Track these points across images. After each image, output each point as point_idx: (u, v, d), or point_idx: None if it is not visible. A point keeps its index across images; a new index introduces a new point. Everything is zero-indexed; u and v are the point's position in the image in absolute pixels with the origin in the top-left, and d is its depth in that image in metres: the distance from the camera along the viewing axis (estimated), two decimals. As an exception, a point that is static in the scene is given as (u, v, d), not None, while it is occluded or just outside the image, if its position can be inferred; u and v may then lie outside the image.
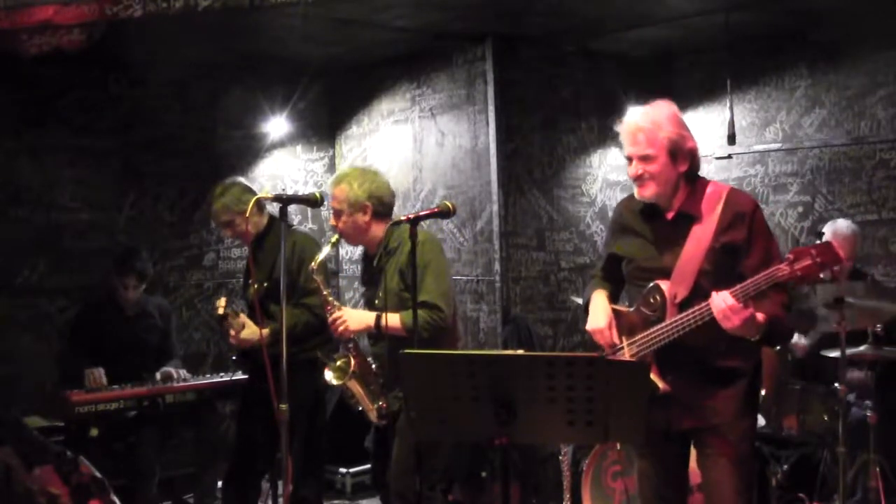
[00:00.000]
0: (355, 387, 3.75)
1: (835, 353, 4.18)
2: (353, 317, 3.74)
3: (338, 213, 3.83)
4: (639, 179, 3.05)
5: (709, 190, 3.07)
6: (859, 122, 5.36)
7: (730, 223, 3.00)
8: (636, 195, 3.10)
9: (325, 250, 3.90)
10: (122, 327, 5.05)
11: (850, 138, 5.40)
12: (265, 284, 4.25)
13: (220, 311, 4.16)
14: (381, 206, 3.84)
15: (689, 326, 2.93)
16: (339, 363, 3.78)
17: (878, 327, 4.30)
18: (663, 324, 2.99)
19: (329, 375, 3.79)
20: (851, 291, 4.12)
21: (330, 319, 3.76)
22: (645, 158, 3.01)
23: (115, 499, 3.93)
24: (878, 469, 4.19)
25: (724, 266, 2.97)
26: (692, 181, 3.08)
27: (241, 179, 4.62)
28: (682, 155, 3.03)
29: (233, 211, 4.31)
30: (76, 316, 5.18)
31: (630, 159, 3.06)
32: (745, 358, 3.05)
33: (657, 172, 3.01)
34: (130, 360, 4.96)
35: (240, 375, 4.89)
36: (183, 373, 5.03)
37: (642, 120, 3.02)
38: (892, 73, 5.23)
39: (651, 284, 3.05)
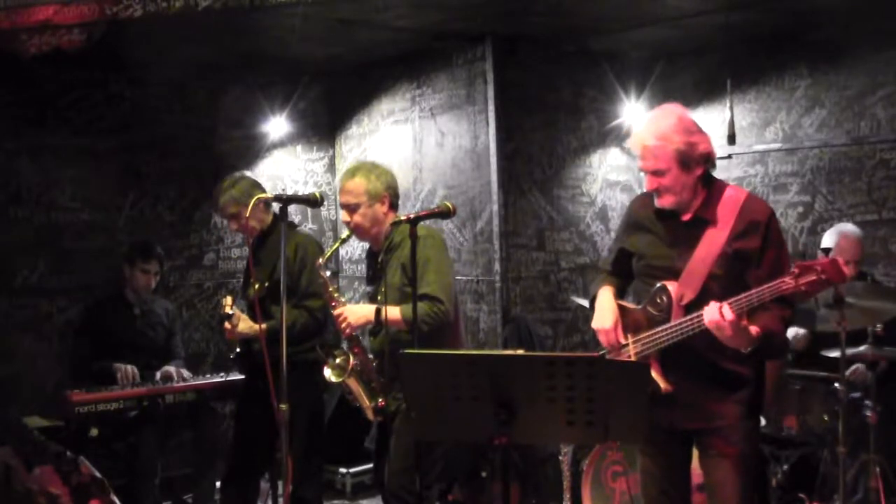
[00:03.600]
0: (354, 384, 3.76)
1: (835, 353, 4.18)
2: (354, 312, 3.75)
3: (353, 207, 3.82)
4: (656, 192, 3.06)
5: (726, 194, 3.06)
6: (859, 122, 5.36)
7: (744, 230, 2.99)
8: (656, 205, 3.10)
9: (335, 247, 4.01)
10: (129, 324, 5.10)
11: (850, 138, 5.39)
12: (266, 284, 4.26)
13: (228, 309, 4.17)
14: (396, 197, 3.92)
15: (687, 332, 2.94)
16: (338, 360, 3.80)
17: (878, 327, 4.30)
18: (665, 326, 3.00)
19: (328, 373, 3.80)
20: (851, 291, 4.12)
21: (335, 314, 3.78)
22: (657, 173, 3.02)
23: (115, 499, 3.93)
24: (878, 469, 4.19)
25: (734, 272, 2.97)
26: (709, 183, 3.08)
27: (249, 174, 4.65)
28: (695, 161, 3.02)
29: (241, 203, 4.30)
30: (83, 313, 5.20)
31: (646, 173, 3.07)
32: (751, 363, 3.05)
33: (671, 184, 3.02)
34: (136, 358, 4.98)
35: (239, 376, 4.89)
36: (184, 372, 5.04)
37: (649, 137, 3.02)
38: (892, 73, 5.23)
39: (659, 285, 3.05)
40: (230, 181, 4.47)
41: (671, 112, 3.09)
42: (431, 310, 3.60)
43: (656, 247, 3.15)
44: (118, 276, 5.19)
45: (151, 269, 5.09)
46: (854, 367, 4.50)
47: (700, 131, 3.07)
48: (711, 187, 3.08)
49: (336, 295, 3.83)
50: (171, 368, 5.01)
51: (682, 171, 3.01)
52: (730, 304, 2.83)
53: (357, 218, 3.82)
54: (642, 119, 3.15)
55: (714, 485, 3.07)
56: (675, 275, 3.04)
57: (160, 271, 5.19)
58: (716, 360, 3.00)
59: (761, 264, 2.97)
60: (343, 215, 3.89)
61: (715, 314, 2.82)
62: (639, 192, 5.89)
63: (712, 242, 3.01)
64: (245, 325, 4.21)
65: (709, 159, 3.05)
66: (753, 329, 2.85)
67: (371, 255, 4.04)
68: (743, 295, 2.83)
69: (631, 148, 3.17)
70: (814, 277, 2.74)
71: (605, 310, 3.20)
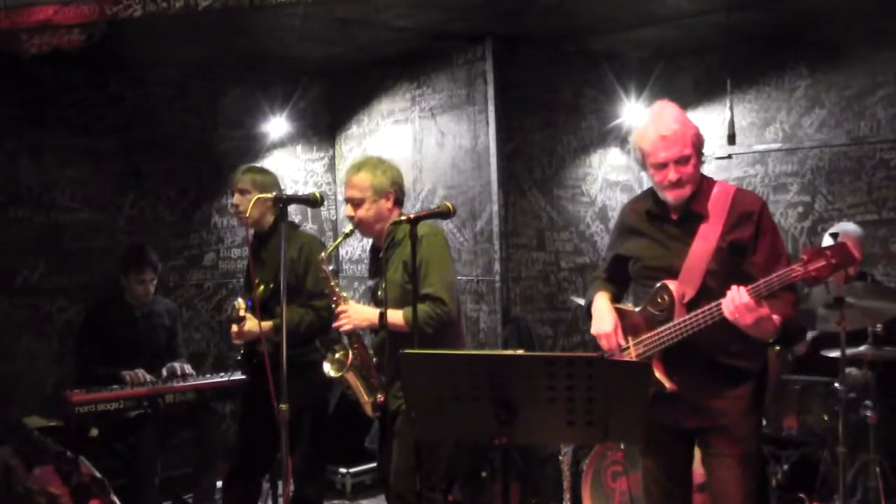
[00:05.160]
0: (353, 379, 3.76)
1: (835, 353, 4.18)
2: (358, 312, 3.74)
3: (358, 202, 3.79)
4: (678, 183, 3.02)
5: (715, 190, 3.08)
6: (859, 122, 5.36)
7: (736, 222, 3.01)
8: (671, 199, 3.07)
9: (339, 240, 3.98)
10: (131, 327, 5.08)
11: (850, 138, 5.39)
12: (270, 285, 4.25)
13: (242, 312, 4.17)
14: (401, 193, 3.88)
15: (698, 326, 2.93)
16: (337, 355, 3.79)
17: (878, 327, 4.30)
18: (672, 323, 2.99)
19: (327, 367, 3.80)
20: (851, 291, 4.12)
21: (336, 311, 3.77)
22: (681, 160, 3.00)
23: (115, 499, 3.93)
24: (878, 469, 4.19)
25: (731, 265, 2.97)
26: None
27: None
28: (702, 150, 3.06)
29: (257, 187, 4.32)
30: (86, 317, 5.19)
31: (664, 165, 3.02)
32: (754, 358, 3.05)
33: (693, 171, 3.03)
34: (139, 360, 4.97)
35: (239, 376, 4.89)
36: (187, 367, 5.05)
37: (670, 122, 3.01)
38: (892, 73, 5.23)
39: (659, 284, 3.05)
40: (252, 167, 4.51)
41: (670, 104, 3.11)
42: (434, 310, 3.58)
43: (652, 248, 3.15)
44: (118, 277, 5.19)
45: (146, 277, 5.04)
46: (849, 370, 4.47)
47: None
48: (702, 183, 3.09)
49: (338, 290, 3.82)
50: (175, 364, 5.01)
51: (698, 158, 3.03)
52: (748, 289, 2.81)
53: (361, 213, 3.80)
54: (643, 117, 3.13)
55: (718, 484, 3.07)
56: (672, 274, 3.04)
57: (156, 276, 5.14)
58: (719, 358, 3.00)
59: (757, 251, 2.98)
60: (347, 209, 3.87)
61: (737, 299, 2.79)
62: (639, 192, 5.89)
63: (707, 238, 3.01)
64: (252, 323, 4.20)
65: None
66: (776, 318, 2.85)
67: (374, 251, 4.03)
68: (752, 285, 2.83)
69: (640, 144, 3.09)
70: (823, 262, 2.74)
71: (602, 314, 3.20)
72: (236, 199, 4.43)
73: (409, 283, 3.55)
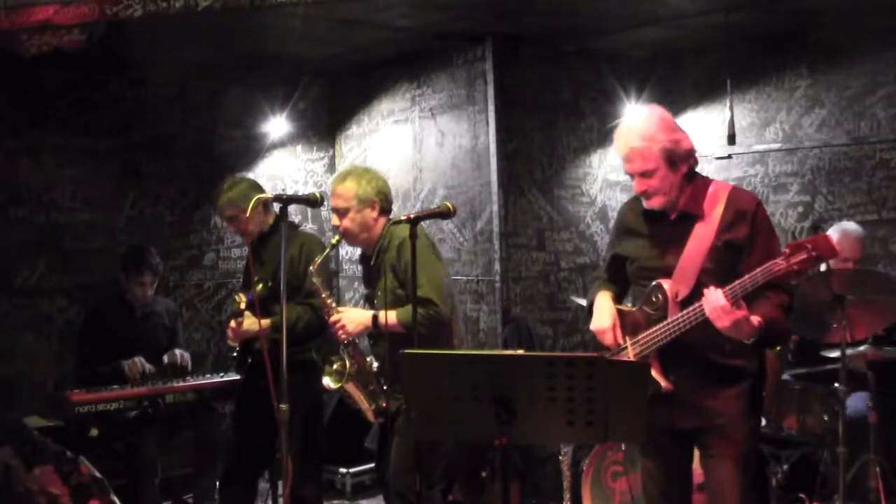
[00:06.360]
0: (352, 388, 3.76)
1: (835, 353, 4.18)
2: (351, 317, 3.74)
3: (343, 211, 3.80)
4: (644, 195, 3.07)
5: (711, 189, 3.08)
6: (859, 122, 5.36)
7: (732, 221, 3.01)
8: (645, 206, 3.11)
9: (326, 253, 3.94)
10: (131, 327, 5.07)
11: (850, 138, 5.39)
12: (269, 284, 4.25)
13: (243, 305, 4.17)
14: (387, 202, 3.87)
15: (686, 325, 2.94)
16: (335, 366, 3.79)
17: (879, 327, 4.29)
18: (663, 323, 3.00)
19: (326, 380, 3.80)
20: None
21: (330, 322, 3.77)
22: (645, 174, 3.02)
23: (115, 499, 3.93)
24: (878, 469, 4.19)
25: (725, 264, 2.97)
26: (692, 179, 3.09)
27: (250, 177, 4.66)
28: (680, 158, 3.03)
29: (238, 206, 4.31)
30: (85, 317, 5.19)
31: (631, 176, 3.07)
32: (750, 357, 3.04)
33: (660, 185, 3.02)
34: None
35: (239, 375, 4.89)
36: (186, 355, 5.06)
37: (634, 139, 3.02)
38: (892, 73, 5.23)
39: (653, 283, 3.06)
40: (229, 183, 4.48)
41: (652, 112, 3.10)
42: (426, 312, 3.59)
43: (648, 248, 3.15)
44: (118, 277, 5.19)
45: (145, 281, 5.02)
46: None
47: (681, 129, 3.08)
48: (697, 183, 3.09)
49: (329, 301, 3.82)
50: (176, 352, 5.02)
51: (669, 170, 3.02)
52: (724, 291, 2.82)
53: (346, 222, 3.80)
54: (623, 123, 3.14)
55: (715, 485, 3.07)
56: (668, 274, 3.05)
57: (156, 280, 5.11)
58: (715, 357, 3.00)
59: (752, 252, 2.98)
60: (333, 219, 3.88)
61: (714, 302, 2.81)
62: (639, 192, 5.89)
63: (702, 237, 3.01)
64: (251, 321, 4.20)
65: (692, 155, 3.07)
66: (755, 319, 2.85)
67: (364, 259, 4.03)
68: (737, 282, 2.83)
69: (616, 151, 3.15)
70: (804, 255, 2.75)
71: (602, 311, 3.21)
72: (232, 227, 4.51)
73: (399, 289, 3.56)
